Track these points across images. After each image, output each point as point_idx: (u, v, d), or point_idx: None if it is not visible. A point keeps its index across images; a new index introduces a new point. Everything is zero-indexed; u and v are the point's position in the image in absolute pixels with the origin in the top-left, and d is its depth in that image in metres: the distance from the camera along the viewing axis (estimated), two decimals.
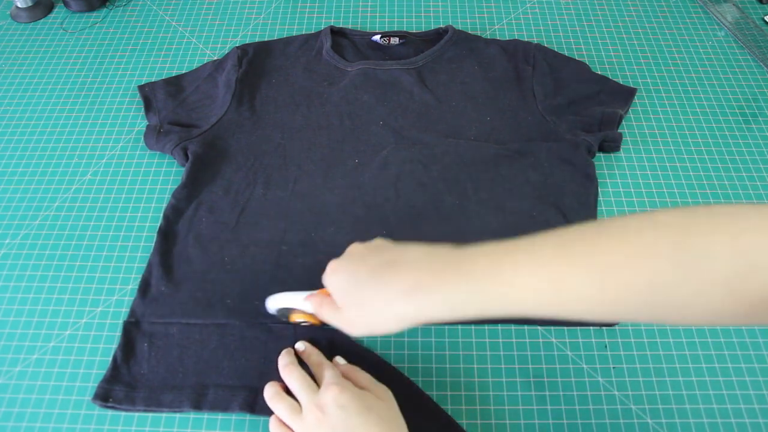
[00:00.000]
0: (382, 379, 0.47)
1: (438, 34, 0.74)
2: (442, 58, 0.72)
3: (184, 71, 0.74)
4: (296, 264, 0.56)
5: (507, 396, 0.50)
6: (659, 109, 0.70)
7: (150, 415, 0.49)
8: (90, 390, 0.50)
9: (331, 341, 0.52)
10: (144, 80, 0.74)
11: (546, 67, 0.70)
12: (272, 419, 0.46)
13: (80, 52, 0.78)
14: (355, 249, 0.45)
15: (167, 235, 0.58)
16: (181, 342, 0.52)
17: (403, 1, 0.83)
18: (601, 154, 0.65)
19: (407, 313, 0.39)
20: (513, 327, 0.54)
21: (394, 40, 0.74)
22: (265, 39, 0.77)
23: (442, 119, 0.66)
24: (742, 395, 0.50)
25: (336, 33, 0.75)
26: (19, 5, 0.81)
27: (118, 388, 0.50)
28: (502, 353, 0.52)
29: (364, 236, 0.57)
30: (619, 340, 0.53)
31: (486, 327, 0.54)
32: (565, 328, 0.54)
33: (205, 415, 0.49)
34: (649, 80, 0.73)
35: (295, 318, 0.50)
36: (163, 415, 0.49)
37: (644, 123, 0.69)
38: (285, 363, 0.48)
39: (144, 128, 0.67)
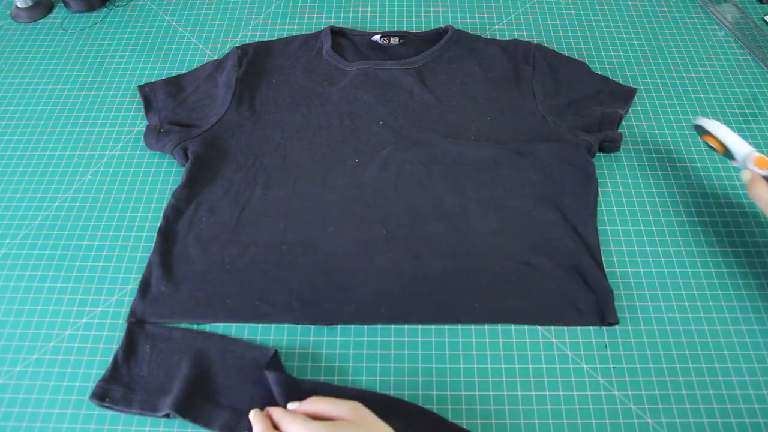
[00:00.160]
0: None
1: (438, 34, 0.74)
2: (442, 58, 0.72)
3: (184, 71, 0.74)
4: (296, 264, 0.56)
5: (507, 396, 0.50)
6: (659, 109, 0.70)
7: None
8: (90, 390, 0.50)
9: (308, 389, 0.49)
10: (144, 80, 0.74)
11: (546, 67, 0.70)
12: None
13: (80, 52, 0.78)
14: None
15: (167, 235, 0.58)
16: (183, 348, 0.52)
17: (403, 1, 0.83)
18: (601, 154, 0.65)
19: None
20: (513, 327, 0.54)
21: (394, 40, 0.74)
22: (265, 39, 0.77)
23: (442, 119, 0.66)
24: (742, 395, 0.50)
25: (336, 33, 0.75)
26: (19, 5, 0.81)
27: (116, 388, 0.50)
28: (502, 353, 0.52)
29: (364, 236, 0.58)
30: (619, 340, 0.53)
31: (486, 327, 0.54)
32: (565, 327, 0.54)
33: None
34: (649, 80, 0.73)
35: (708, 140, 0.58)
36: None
37: (644, 123, 0.69)
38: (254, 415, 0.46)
39: (144, 128, 0.67)
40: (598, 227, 0.59)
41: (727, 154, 0.57)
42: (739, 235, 0.60)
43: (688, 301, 0.55)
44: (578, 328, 0.54)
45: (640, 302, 0.55)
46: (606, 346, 0.53)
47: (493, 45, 0.73)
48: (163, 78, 0.72)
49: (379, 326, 0.54)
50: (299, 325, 0.54)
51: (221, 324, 0.54)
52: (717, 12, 0.81)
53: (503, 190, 0.61)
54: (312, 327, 0.54)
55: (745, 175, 0.54)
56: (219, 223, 0.59)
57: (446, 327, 0.54)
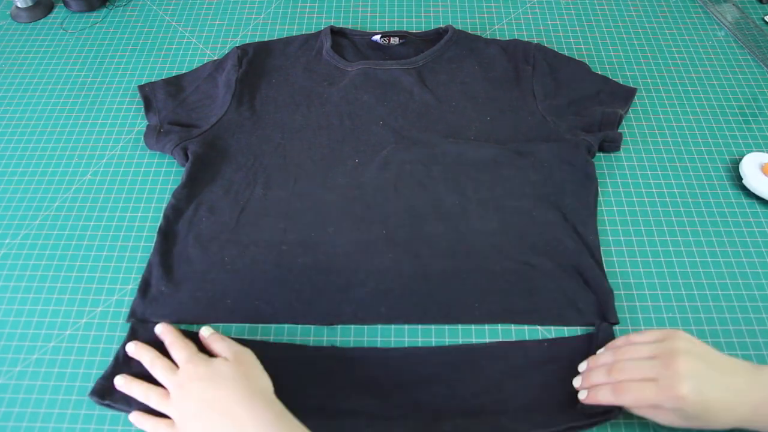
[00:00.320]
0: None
1: (438, 34, 0.74)
2: (442, 58, 0.72)
3: (184, 71, 0.74)
4: (296, 264, 0.56)
5: None
6: (659, 109, 0.70)
7: None
8: (90, 390, 0.50)
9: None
10: (144, 80, 0.74)
11: (546, 67, 0.70)
12: (134, 415, 0.48)
13: (80, 52, 0.78)
14: None
15: (167, 235, 0.58)
16: None
17: (403, 1, 0.83)
18: (601, 154, 0.65)
19: None
20: (513, 327, 0.54)
21: (394, 40, 0.74)
22: (265, 39, 0.77)
23: (442, 119, 0.66)
24: None
25: (336, 33, 0.75)
26: (19, 5, 0.81)
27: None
28: None
29: (364, 236, 0.58)
30: None
31: (486, 327, 0.54)
32: (565, 327, 0.53)
33: None
34: (649, 80, 0.73)
35: None
36: None
37: (644, 123, 0.69)
38: (135, 348, 0.51)
39: (144, 128, 0.67)
40: (598, 227, 0.59)
41: None
42: (739, 235, 0.60)
43: (688, 301, 0.55)
44: (578, 327, 0.53)
45: (640, 302, 0.55)
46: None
47: (493, 45, 0.73)
48: (163, 78, 0.72)
49: (379, 326, 0.54)
50: (299, 325, 0.54)
51: (221, 324, 0.54)
52: (717, 12, 0.81)
53: (503, 190, 0.61)
54: (312, 327, 0.54)
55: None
56: (219, 223, 0.59)
57: (446, 327, 0.54)
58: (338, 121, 0.66)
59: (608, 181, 0.63)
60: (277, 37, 0.77)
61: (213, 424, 0.43)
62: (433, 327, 0.54)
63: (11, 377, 0.52)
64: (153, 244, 0.58)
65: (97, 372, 0.51)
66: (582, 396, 0.47)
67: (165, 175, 0.65)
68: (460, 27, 0.76)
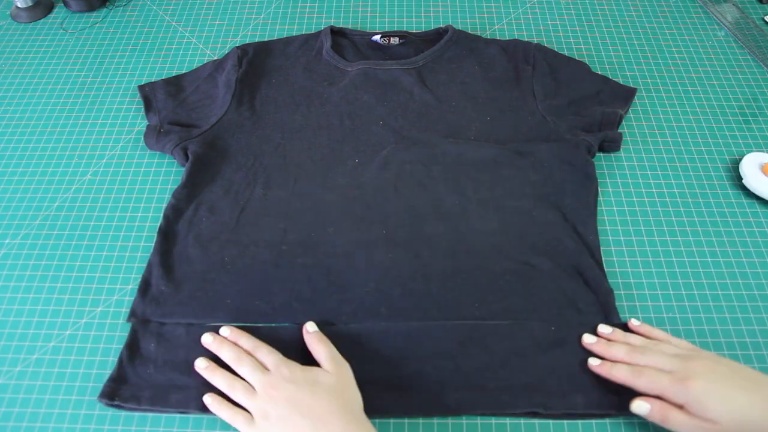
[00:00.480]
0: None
1: (438, 34, 0.74)
2: (442, 58, 0.72)
3: (184, 71, 0.74)
4: (296, 264, 0.56)
5: None
6: (659, 109, 0.70)
7: (150, 415, 0.49)
8: (90, 390, 0.50)
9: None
10: (144, 80, 0.74)
11: (546, 67, 0.70)
12: (211, 399, 0.47)
13: (80, 52, 0.78)
14: None
15: (167, 235, 0.58)
16: (188, 343, 0.52)
17: (403, 1, 0.83)
18: (601, 154, 0.65)
19: None
20: None
21: (394, 40, 0.74)
22: (265, 39, 0.77)
23: (442, 119, 0.66)
24: None
25: (336, 33, 0.75)
26: (19, 5, 0.81)
27: (124, 387, 0.50)
28: None
29: (364, 236, 0.58)
30: None
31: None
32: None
33: (205, 416, 0.49)
34: (649, 80, 0.73)
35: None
36: (164, 415, 0.49)
37: (644, 123, 0.69)
38: (214, 341, 0.51)
39: (144, 128, 0.67)
40: (598, 227, 0.59)
41: None
42: (739, 235, 0.60)
43: (688, 301, 0.55)
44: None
45: (640, 302, 0.55)
46: None
47: (493, 45, 0.73)
48: (163, 78, 0.72)
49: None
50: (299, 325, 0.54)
51: (221, 324, 0.54)
52: (717, 12, 0.81)
53: (503, 190, 0.61)
54: None
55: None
56: (219, 223, 0.59)
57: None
58: (338, 121, 0.66)
59: (608, 181, 0.63)
60: (277, 37, 0.77)
61: (298, 430, 0.43)
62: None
63: (11, 377, 0.52)
64: (153, 244, 0.58)
65: (97, 372, 0.52)
66: (594, 363, 0.49)
67: (165, 175, 0.65)
68: (460, 27, 0.76)
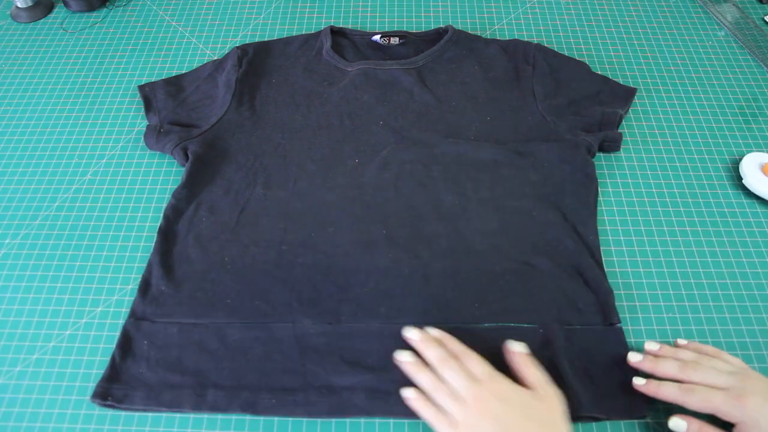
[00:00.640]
0: None
1: (438, 34, 0.74)
2: (442, 58, 0.72)
3: (184, 71, 0.74)
4: (296, 264, 0.56)
5: None
6: (659, 109, 0.70)
7: (150, 414, 0.49)
8: (90, 390, 0.50)
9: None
10: (144, 80, 0.74)
11: (546, 67, 0.70)
12: (414, 395, 0.46)
13: (80, 52, 0.78)
14: None
15: (167, 235, 0.58)
16: (181, 342, 0.52)
17: (403, 1, 0.83)
18: (601, 154, 0.65)
19: None
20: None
21: (394, 40, 0.74)
22: (265, 39, 0.77)
23: (442, 119, 0.66)
24: None
25: (336, 33, 0.75)
26: (19, 5, 0.81)
27: (117, 387, 0.50)
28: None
29: (364, 236, 0.58)
30: None
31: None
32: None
33: (206, 415, 0.49)
34: (649, 80, 0.73)
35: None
36: (164, 414, 0.49)
37: (644, 123, 0.69)
38: (422, 338, 0.49)
39: (144, 128, 0.67)
40: (598, 227, 0.59)
41: None
42: (739, 235, 0.60)
43: (688, 301, 0.55)
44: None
45: (640, 302, 0.55)
46: None
47: (493, 45, 0.73)
48: (163, 78, 0.72)
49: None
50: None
51: (217, 323, 0.54)
52: (717, 12, 0.81)
53: (503, 190, 0.61)
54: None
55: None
56: (219, 223, 0.59)
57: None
58: (338, 121, 0.66)
59: (608, 181, 0.63)
60: (277, 37, 0.77)
61: None
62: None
63: (11, 377, 0.52)
64: (153, 244, 0.58)
65: (97, 372, 0.52)
66: (639, 383, 0.47)
67: (165, 175, 0.65)
68: (460, 27, 0.76)
